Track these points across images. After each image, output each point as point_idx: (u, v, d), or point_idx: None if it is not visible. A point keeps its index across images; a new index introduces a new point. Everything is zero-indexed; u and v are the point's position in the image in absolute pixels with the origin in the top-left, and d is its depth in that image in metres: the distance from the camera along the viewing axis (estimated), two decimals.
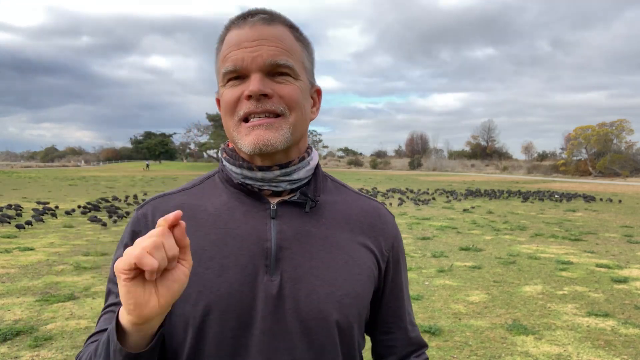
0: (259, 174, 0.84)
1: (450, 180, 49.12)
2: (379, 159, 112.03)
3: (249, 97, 0.79)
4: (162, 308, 0.64)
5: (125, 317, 0.65)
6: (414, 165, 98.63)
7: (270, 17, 0.82)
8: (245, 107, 0.79)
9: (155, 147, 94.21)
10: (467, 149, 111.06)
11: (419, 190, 28.51)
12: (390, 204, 19.54)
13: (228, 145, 0.92)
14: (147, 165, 71.98)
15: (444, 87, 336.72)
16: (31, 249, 8.83)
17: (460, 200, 22.33)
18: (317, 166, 0.93)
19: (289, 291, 0.81)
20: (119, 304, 0.83)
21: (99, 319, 0.88)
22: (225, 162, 0.90)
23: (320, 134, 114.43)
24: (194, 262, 0.80)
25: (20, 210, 14.59)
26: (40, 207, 15.34)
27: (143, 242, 0.60)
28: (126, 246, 0.87)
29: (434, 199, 22.69)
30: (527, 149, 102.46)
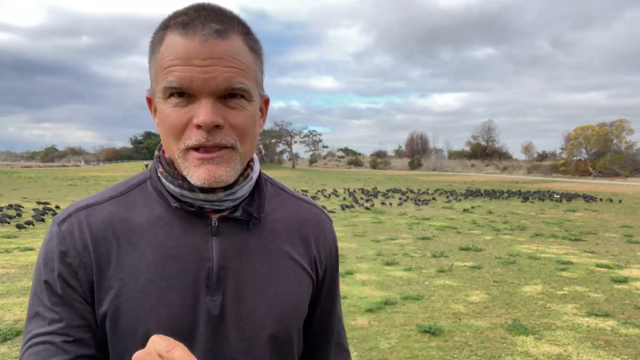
0: (202, 196, 0.77)
1: (450, 180, 49.13)
2: (379, 159, 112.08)
3: (199, 127, 0.71)
4: None
5: None
6: (414, 165, 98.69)
7: (224, 29, 0.71)
8: (195, 138, 0.71)
9: (155, 147, 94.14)
10: (467, 149, 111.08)
11: (419, 190, 28.52)
12: (390, 204, 19.54)
13: (164, 153, 0.83)
14: (146, 166, 71.98)
15: (444, 87, 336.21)
16: (31, 249, 8.83)
17: (460, 200, 22.33)
18: (260, 176, 0.87)
19: (230, 310, 0.79)
20: (51, 333, 0.73)
21: (23, 350, 0.74)
22: (161, 177, 0.81)
23: (320, 134, 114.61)
24: (130, 285, 0.75)
25: (20, 210, 14.60)
26: (41, 207, 15.35)
27: None
28: (60, 275, 0.75)
29: (434, 199, 22.69)
30: (527, 149, 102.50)
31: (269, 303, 0.81)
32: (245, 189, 0.82)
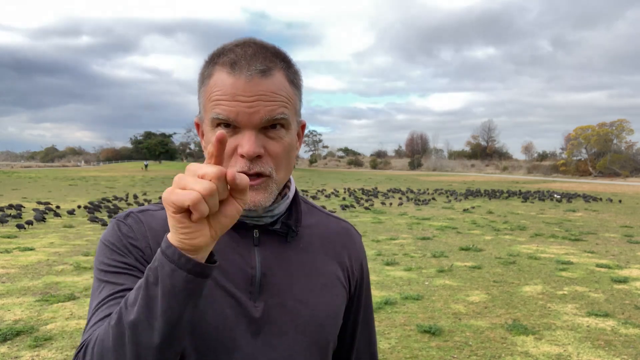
0: (243, 212, 0.84)
1: (450, 180, 49.15)
2: (379, 159, 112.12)
3: (242, 156, 0.78)
4: (213, 238, 0.65)
5: (175, 242, 0.64)
6: (414, 165, 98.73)
7: (267, 68, 0.78)
8: (240, 166, 0.78)
9: (155, 147, 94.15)
10: (467, 149, 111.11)
11: (419, 190, 28.52)
12: (391, 204, 19.54)
13: None
14: (146, 166, 71.94)
15: (444, 87, 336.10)
16: (31, 249, 8.84)
17: (460, 200, 22.33)
18: (295, 194, 0.95)
19: (273, 316, 0.84)
20: (121, 291, 0.78)
21: (95, 311, 0.78)
22: None
23: (320, 134, 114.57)
24: None
25: (21, 210, 14.60)
26: (42, 207, 15.35)
27: (198, 185, 0.60)
28: (127, 251, 0.82)
29: (434, 199, 22.69)
30: (527, 149, 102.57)
31: (311, 311, 0.87)
32: (282, 207, 0.90)
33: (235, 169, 0.78)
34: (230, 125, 0.78)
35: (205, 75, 0.82)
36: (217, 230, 0.64)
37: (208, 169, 0.61)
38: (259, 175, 0.80)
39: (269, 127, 0.79)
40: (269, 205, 0.83)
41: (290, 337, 0.84)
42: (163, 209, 0.90)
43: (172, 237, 0.64)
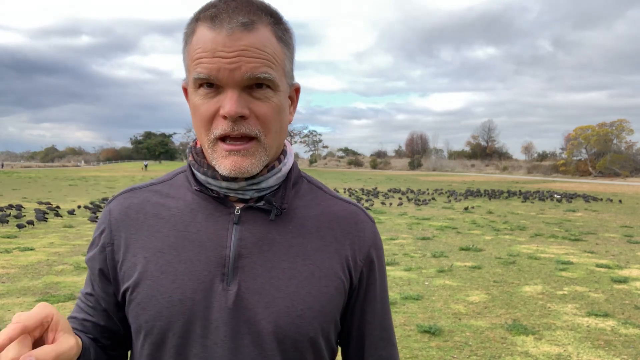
0: (224, 184, 0.80)
1: (450, 180, 49.17)
2: (379, 159, 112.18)
3: (225, 117, 0.73)
4: None
5: None
6: (414, 165, 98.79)
7: (250, 21, 0.72)
8: (221, 128, 0.74)
9: (155, 147, 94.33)
10: (467, 149, 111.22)
11: (419, 190, 28.52)
12: (391, 204, 19.54)
13: (196, 144, 0.86)
14: (146, 166, 72.04)
15: (444, 87, 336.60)
16: (31, 249, 8.83)
17: (460, 200, 22.33)
18: (291, 170, 0.86)
19: (246, 302, 0.77)
20: (92, 294, 0.87)
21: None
22: (191, 166, 0.85)
23: (320, 134, 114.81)
24: (152, 264, 0.80)
25: (21, 210, 14.59)
26: (43, 207, 15.34)
27: None
28: (96, 250, 0.86)
29: (434, 199, 22.69)
30: (527, 149, 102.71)
31: (289, 301, 0.78)
32: (271, 181, 0.82)
33: (219, 132, 0.74)
34: (214, 85, 0.73)
35: (188, 33, 0.77)
36: None
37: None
38: (244, 137, 0.75)
39: (255, 86, 0.74)
40: (256, 172, 0.77)
41: (263, 326, 0.76)
42: (150, 185, 0.90)
43: None
